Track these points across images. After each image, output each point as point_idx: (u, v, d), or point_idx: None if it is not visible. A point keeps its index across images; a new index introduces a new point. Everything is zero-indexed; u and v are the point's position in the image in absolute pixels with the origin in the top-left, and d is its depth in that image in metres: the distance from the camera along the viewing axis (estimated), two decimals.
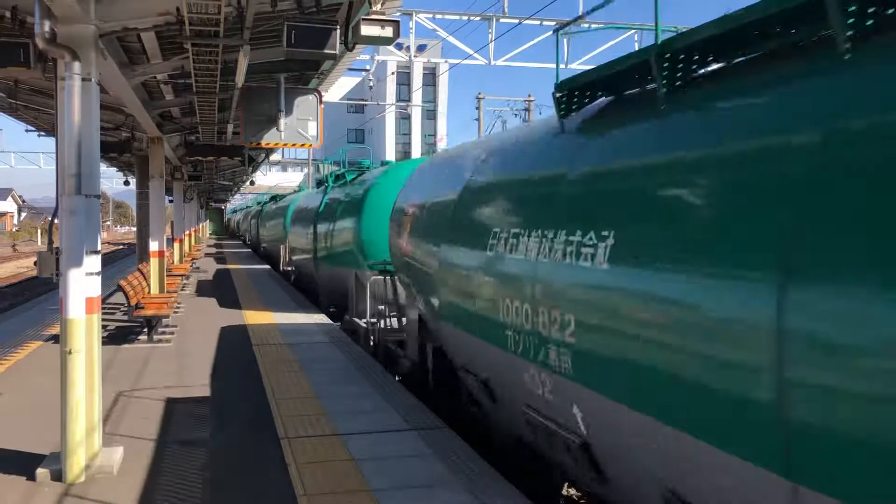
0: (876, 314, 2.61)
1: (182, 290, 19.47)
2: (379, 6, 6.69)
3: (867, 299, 2.66)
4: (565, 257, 4.67)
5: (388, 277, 12.10)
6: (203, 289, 20.74)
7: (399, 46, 24.40)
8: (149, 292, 14.88)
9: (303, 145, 10.27)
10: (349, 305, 14.85)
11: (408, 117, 67.47)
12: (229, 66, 9.23)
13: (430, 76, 67.01)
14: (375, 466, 6.07)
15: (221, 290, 20.39)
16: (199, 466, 6.21)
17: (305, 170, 54.16)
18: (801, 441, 2.90)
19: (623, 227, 4.21)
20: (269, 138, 10.12)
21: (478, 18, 20.94)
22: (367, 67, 29.03)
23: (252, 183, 41.74)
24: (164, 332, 12.92)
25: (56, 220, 6.24)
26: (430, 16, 20.95)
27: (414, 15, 20.58)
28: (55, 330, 12.64)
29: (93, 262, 6.10)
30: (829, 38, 3.37)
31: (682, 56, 4.36)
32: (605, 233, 4.31)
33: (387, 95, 62.94)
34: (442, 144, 65.84)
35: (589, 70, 5.42)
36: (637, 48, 23.57)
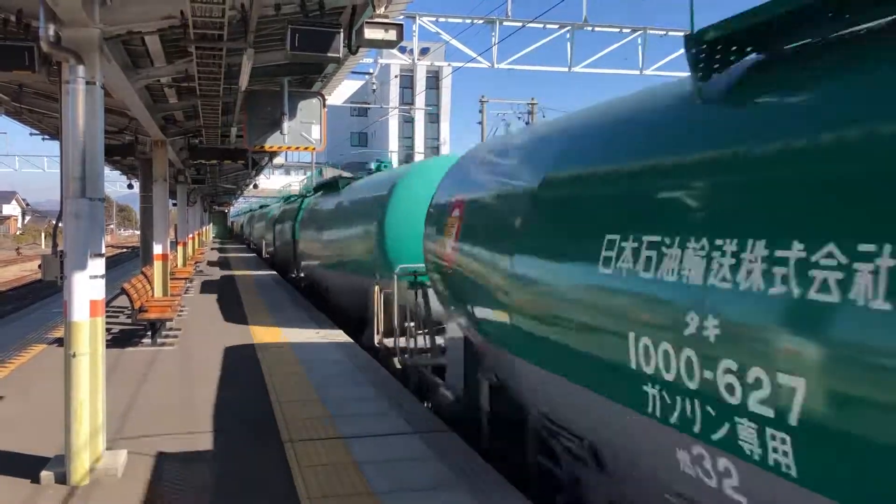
0: None
1: (186, 293, 19.50)
2: (382, 9, 6.69)
3: None
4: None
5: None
6: (207, 292, 20.76)
7: (402, 50, 24.44)
8: (152, 295, 14.91)
9: (306, 148, 10.30)
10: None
11: (411, 121, 67.58)
12: (233, 70, 9.26)
13: (434, 79, 67.14)
14: (377, 469, 6.07)
15: (225, 294, 20.41)
16: (203, 470, 6.20)
17: (309, 173, 54.23)
18: None
19: None
20: (272, 141, 10.15)
21: (481, 21, 20.94)
22: (371, 71, 29.11)
23: (255, 186, 41.80)
24: (167, 336, 12.93)
25: (60, 224, 6.26)
26: (434, 19, 20.95)
27: (417, 18, 20.59)
28: (59, 333, 12.65)
29: (97, 266, 6.11)
30: None
31: None
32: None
33: (390, 99, 63.07)
34: (445, 148, 65.94)
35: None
36: (642, 52, 23.62)
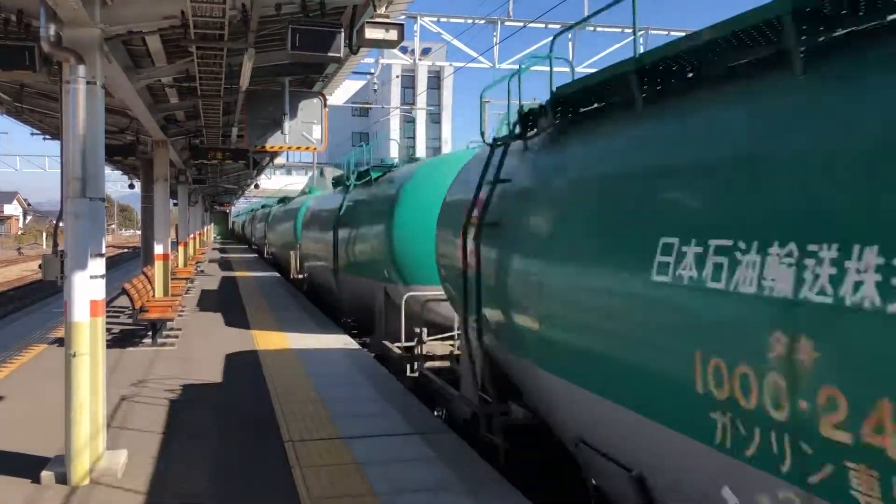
0: None
1: (186, 293, 19.50)
2: (383, 9, 6.69)
3: None
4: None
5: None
6: (208, 292, 20.76)
7: (403, 50, 24.42)
8: (153, 296, 14.90)
9: (307, 148, 10.29)
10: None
11: (412, 121, 67.55)
12: (234, 70, 9.24)
13: (435, 79, 67.08)
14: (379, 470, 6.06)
15: (226, 294, 20.40)
16: (203, 469, 6.20)
17: (310, 173, 54.22)
18: None
19: None
20: (273, 141, 10.15)
21: (483, 22, 20.94)
22: (372, 71, 29.07)
23: (256, 186, 41.78)
24: (168, 336, 12.93)
25: (61, 224, 6.25)
26: (435, 19, 20.95)
27: (418, 18, 20.58)
28: (60, 333, 12.65)
29: (97, 266, 6.10)
30: None
31: None
32: None
33: (391, 99, 63.06)
34: (447, 148, 65.90)
35: None
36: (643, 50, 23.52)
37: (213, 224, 68.36)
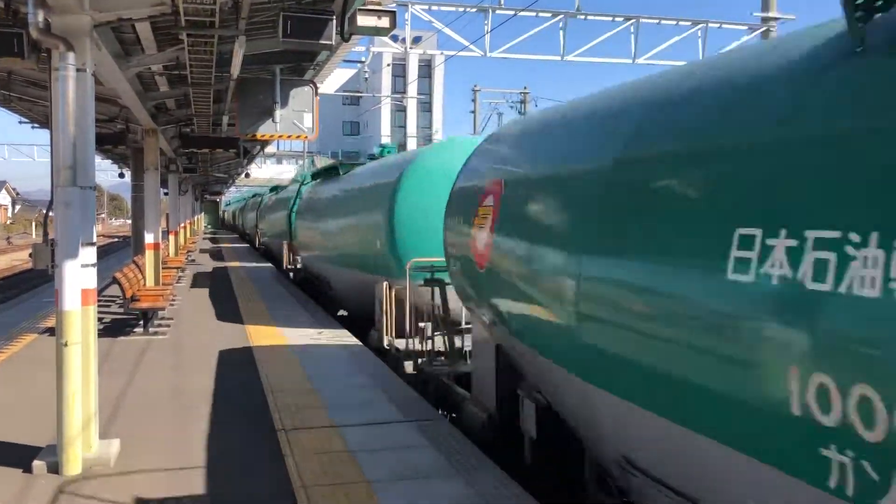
0: None
1: (178, 282, 19.45)
2: None
3: None
4: None
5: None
6: (199, 282, 20.71)
7: (395, 38, 24.33)
8: (144, 285, 14.85)
9: (298, 137, 10.27)
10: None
11: (403, 109, 67.39)
12: (225, 58, 9.19)
13: (426, 68, 66.94)
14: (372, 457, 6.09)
15: (217, 283, 20.36)
16: (196, 458, 6.20)
17: (301, 162, 54.06)
18: None
19: None
20: (264, 130, 10.11)
21: (474, 10, 20.88)
22: (363, 59, 28.95)
23: (247, 175, 41.65)
24: (160, 325, 12.91)
25: (51, 212, 6.22)
26: (426, 7, 20.86)
27: (410, 6, 20.49)
28: (51, 322, 12.60)
29: (88, 254, 6.08)
30: None
31: None
32: None
33: (382, 87, 62.89)
34: (438, 136, 65.81)
35: None
36: (634, 40, 23.61)
37: (203, 213, 68.11)
